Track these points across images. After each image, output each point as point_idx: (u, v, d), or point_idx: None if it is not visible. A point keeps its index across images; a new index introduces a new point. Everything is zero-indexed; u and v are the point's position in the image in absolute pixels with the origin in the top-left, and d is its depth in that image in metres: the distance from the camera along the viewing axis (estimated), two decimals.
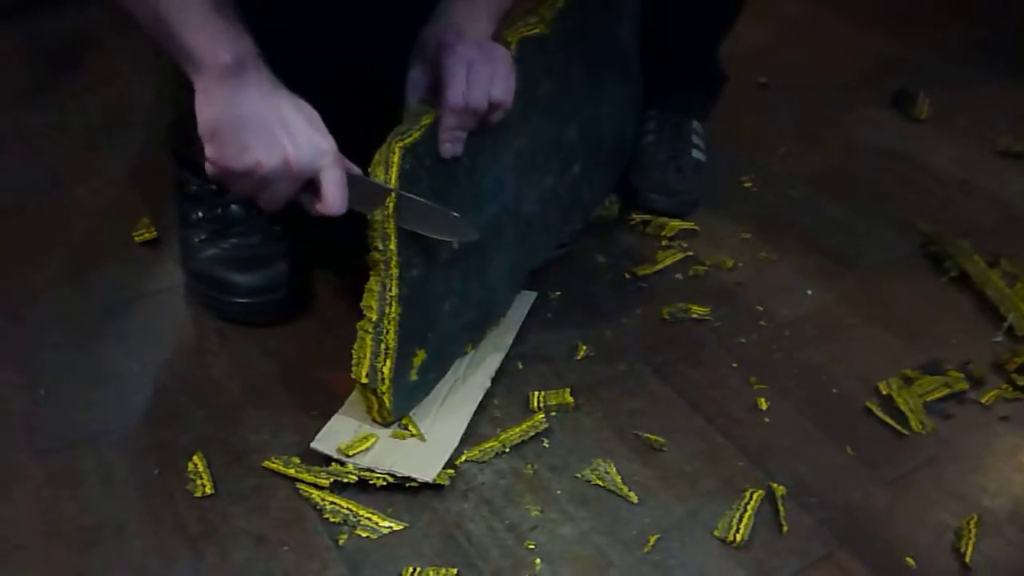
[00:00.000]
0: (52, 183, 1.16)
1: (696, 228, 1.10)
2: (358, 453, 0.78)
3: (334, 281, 0.99)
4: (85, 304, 0.97)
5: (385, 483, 0.77)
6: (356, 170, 0.77)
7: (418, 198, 0.76)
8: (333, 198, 0.74)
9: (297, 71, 0.75)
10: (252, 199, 0.75)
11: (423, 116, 0.78)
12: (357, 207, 0.76)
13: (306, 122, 0.73)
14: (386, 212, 0.75)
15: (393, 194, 0.75)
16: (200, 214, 0.97)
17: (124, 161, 1.20)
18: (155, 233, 1.05)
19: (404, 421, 0.83)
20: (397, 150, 0.75)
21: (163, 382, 0.88)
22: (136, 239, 1.05)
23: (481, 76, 0.77)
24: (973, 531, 0.76)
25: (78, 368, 0.89)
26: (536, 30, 0.87)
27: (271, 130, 0.71)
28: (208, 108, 0.72)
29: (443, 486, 0.77)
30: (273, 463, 0.79)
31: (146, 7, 0.70)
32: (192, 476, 0.78)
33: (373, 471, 0.77)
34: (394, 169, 0.75)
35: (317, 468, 0.78)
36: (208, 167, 0.73)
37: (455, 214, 0.77)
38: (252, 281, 0.93)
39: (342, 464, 0.78)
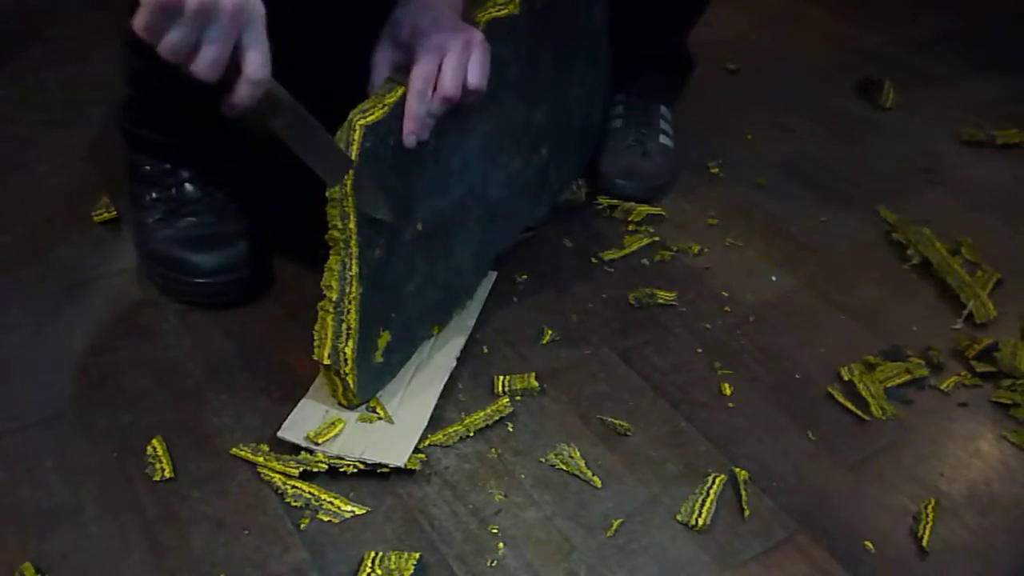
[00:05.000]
0: (11, 160, 1.13)
1: (663, 213, 1.11)
2: (327, 440, 0.78)
3: (295, 262, 0.98)
4: (43, 284, 0.95)
5: (356, 470, 0.76)
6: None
7: (313, 120, 0.73)
8: (255, 60, 0.68)
9: None
10: (183, 59, 0.68)
11: (387, 94, 0.77)
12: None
13: None
14: (345, 190, 0.74)
15: (352, 172, 0.73)
16: (154, 195, 0.95)
17: (84, 138, 1.18)
18: (115, 213, 1.04)
19: (371, 404, 0.82)
20: (359, 128, 0.74)
21: (122, 364, 0.87)
22: (96, 219, 1.03)
23: (456, 63, 0.76)
24: (931, 515, 0.77)
25: (35, 349, 0.88)
26: (506, 10, 0.86)
27: None
28: None
29: (407, 470, 0.77)
30: (241, 450, 0.78)
31: None
32: (151, 460, 0.77)
33: (343, 459, 0.77)
34: (354, 147, 0.74)
35: (286, 456, 0.77)
36: (138, 18, 0.66)
37: (342, 149, 0.73)
38: (212, 261, 0.91)
39: (311, 452, 0.78)
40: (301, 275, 0.97)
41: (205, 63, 0.69)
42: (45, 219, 1.04)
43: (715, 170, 1.20)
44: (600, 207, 1.11)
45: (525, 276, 1.00)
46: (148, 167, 0.95)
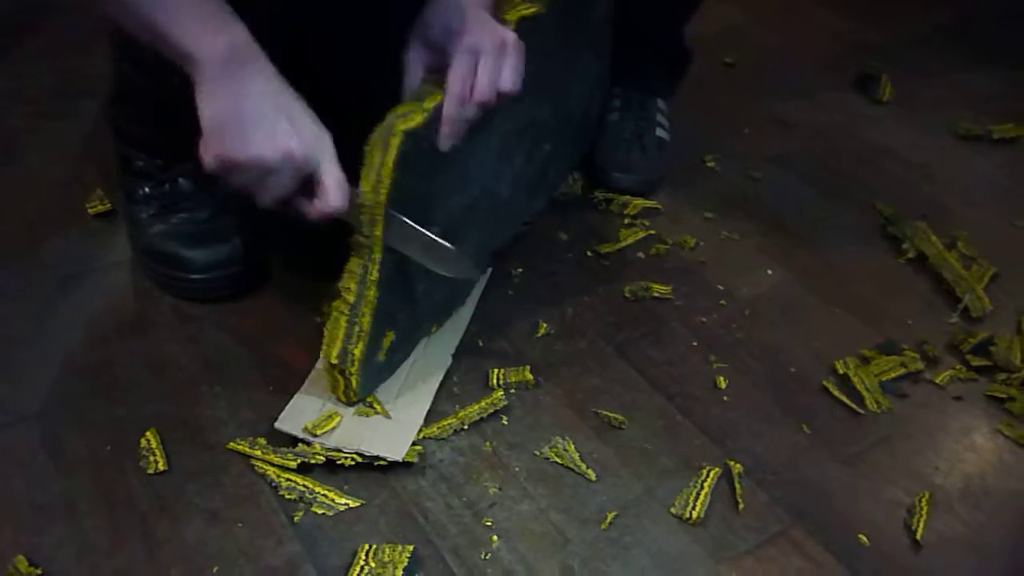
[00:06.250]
0: (6, 153, 1.13)
1: (659, 207, 1.10)
2: (325, 432, 0.78)
3: (290, 256, 0.98)
4: (38, 277, 0.95)
5: (353, 462, 0.76)
6: None
7: (412, 224, 0.75)
8: (334, 194, 0.72)
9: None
10: (250, 193, 0.73)
11: (426, 98, 0.75)
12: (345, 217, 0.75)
13: (308, 116, 0.71)
14: (378, 198, 0.73)
15: (389, 182, 0.73)
16: (147, 190, 0.95)
17: (79, 131, 1.17)
18: (109, 205, 1.03)
19: (369, 399, 0.82)
20: (399, 133, 0.72)
21: (116, 357, 0.86)
22: (90, 211, 1.03)
23: (490, 66, 0.75)
24: (925, 508, 0.77)
25: (29, 342, 0.88)
26: (532, 9, 0.84)
27: (275, 122, 0.69)
28: (211, 101, 0.69)
29: (401, 463, 0.77)
30: (238, 444, 0.78)
31: (131, 13, 0.67)
32: (145, 452, 0.77)
33: (341, 451, 0.76)
34: (392, 151, 0.72)
35: (284, 449, 0.77)
36: (209, 160, 0.70)
37: (449, 246, 0.76)
38: (206, 256, 0.91)
39: (308, 444, 0.77)
40: (296, 270, 0.97)
41: (270, 198, 0.73)
42: (39, 211, 1.04)
43: (711, 164, 1.20)
44: (596, 200, 1.11)
45: (520, 269, 1.00)
46: (141, 162, 0.95)
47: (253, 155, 0.69)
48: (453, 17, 0.76)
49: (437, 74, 0.77)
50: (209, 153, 0.70)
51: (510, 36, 0.77)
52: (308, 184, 0.73)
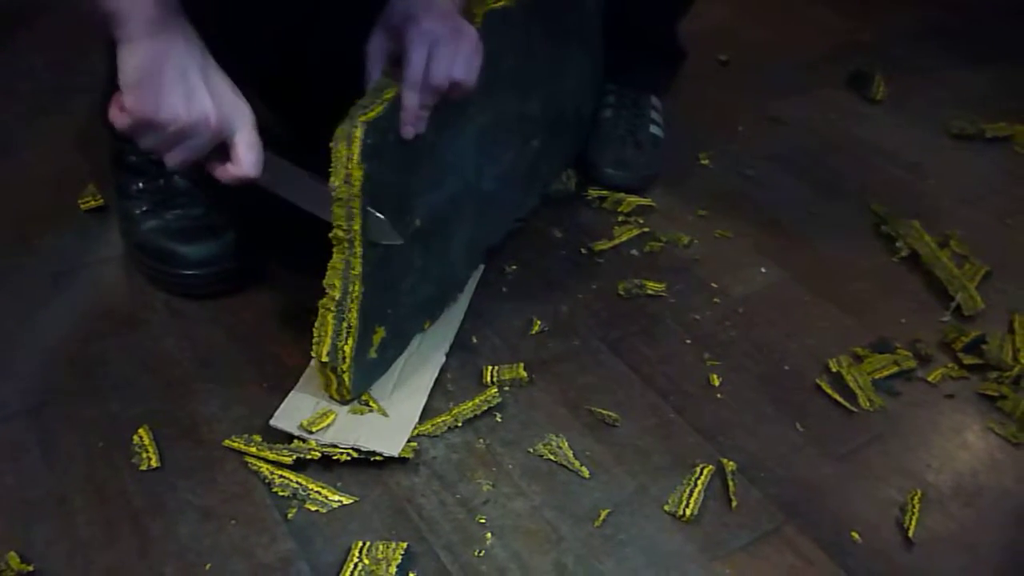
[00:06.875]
0: None
1: (653, 204, 1.10)
2: (320, 429, 0.77)
3: (284, 253, 0.97)
4: (30, 272, 0.95)
5: (349, 458, 0.76)
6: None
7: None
8: (247, 160, 0.72)
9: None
10: (161, 153, 0.72)
11: (385, 90, 0.76)
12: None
13: (228, 85, 0.71)
14: (352, 191, 0.73)
15: (360, 175, 0.73)
16: (140, 185, 0.94)
17: (71, 126, 1.17)
18: (101, 200, 1.03)
19: (364, 397, 0.82)
20: (360, 125, 0.72)
21: (109, 353, 0.86)
22: (82, 206, 1.03)
23: (444, 54, 0.75)
24: (917, 506, 0.77)
25: (22, 337, 0.87)
26: (502, 2, 0.85)
27: (194, 86, 0.69)
28: (132, 57, 0.68)
29: (394, 460, 0.77)
30: (234, 442, 0.78)
31: None
32: (138, 449, 0.77)
33: (336, 447, 0.76)
34: (356, 144, 0.72)
35: (279, 446, 0.77)
36: (120, 118, 0.70)
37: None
38: (200, 252, 0.91)
39: (303, 441, 0.77)
40: (290, 266, 0.96)
41: (177, 162, 0.72)
42: (31, 207, 1.03)
43: (705, 161, 1.20)
44: (590, 198, 1.11)
45: (514, 267, 1.00)
46: (135, 157, 0.94)
47: (168, 114, 0.68)
48: (414, 3, 0.76)
49: (397, 63, 0.77)
50: (123, 109, 0.69)
51: (465, 25, 0.77)
52: (223, 149, 0.72)
